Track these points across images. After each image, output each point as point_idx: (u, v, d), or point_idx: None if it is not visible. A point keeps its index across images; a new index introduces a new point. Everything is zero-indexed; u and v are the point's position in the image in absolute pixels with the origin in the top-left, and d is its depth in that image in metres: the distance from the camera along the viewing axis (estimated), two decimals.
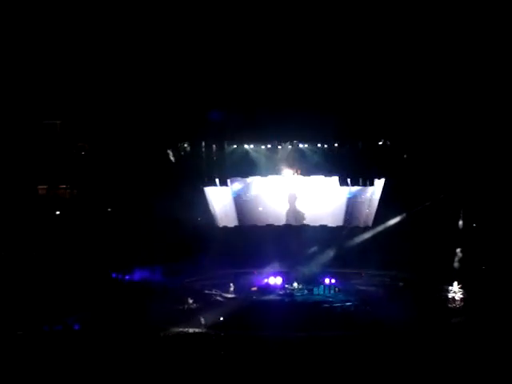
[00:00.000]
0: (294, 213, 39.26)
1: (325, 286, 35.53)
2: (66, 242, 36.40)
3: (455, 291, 34.35)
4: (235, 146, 38.45)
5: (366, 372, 21.53)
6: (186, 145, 38.87)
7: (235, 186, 39.39)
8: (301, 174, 38.38)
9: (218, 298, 33.77)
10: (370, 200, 38.60)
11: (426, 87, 34.09)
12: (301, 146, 37.70)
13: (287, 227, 39.07)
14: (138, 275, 35.45)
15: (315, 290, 35.35)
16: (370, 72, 34.03)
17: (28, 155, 37.61)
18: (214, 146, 38.59)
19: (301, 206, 39.49)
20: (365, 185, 38.05)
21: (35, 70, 35.65)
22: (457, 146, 36.05)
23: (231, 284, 34.60)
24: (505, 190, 36.18)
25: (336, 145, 37.45)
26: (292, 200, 39.50)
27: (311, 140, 37.74)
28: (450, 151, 36.24)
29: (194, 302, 31.89)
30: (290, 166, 38.42)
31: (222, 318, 28.63)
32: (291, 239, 37.84)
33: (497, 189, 36.28)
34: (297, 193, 39.43)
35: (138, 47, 35.28)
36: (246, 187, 39.57)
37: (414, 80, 33.87)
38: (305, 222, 39.35)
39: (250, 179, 39.10)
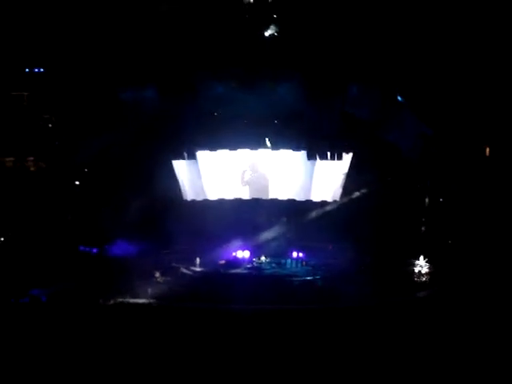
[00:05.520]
0: (257, 186, 39.12)
1: (292, 259, 35.87)
2: (33, 215, 36.13)
3: (421, 265, 34.75)
4: (205, 119, 37.95)
5: (332, 346, 21.76)
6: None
7: (203, 159, 38.93)
8: (269, 147, 38.10)
9: (185, 271, 33.94)
10: (338, 174, 38.57)
11: (393, 65, 34.29)
12: (270, 119, 37.30)
13: (255, 201, 38.94)
14: (105, 249, 35.35)
15: (283, 264, 35.67)
16: (339, 41, 34.15)
17: None
18: (183, 118, 38.16)
19: (267, 180, 39.37)
20: (333, 159, 38.00)
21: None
22: (425, 122, 36.22)
23: (198, 258, 34.75)
24: (472, 163, 36.53)
25: (305, 119, 37.14)
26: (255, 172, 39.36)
27: (281, 114, 37.38)
28: (417, 127, 36.36)
29: (160, 276, 32.09)
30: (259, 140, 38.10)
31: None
32: (259, 213, 37.85)
33: (464, 163, 36.59)
34: (262, 166, 39.19)
35: (104, 18, 35.00)
36: (214, 160, 39.19)
37: (381, 56, 33.98)
38: (272, 195, 39.30)
39: (218, 152, 38.71)
